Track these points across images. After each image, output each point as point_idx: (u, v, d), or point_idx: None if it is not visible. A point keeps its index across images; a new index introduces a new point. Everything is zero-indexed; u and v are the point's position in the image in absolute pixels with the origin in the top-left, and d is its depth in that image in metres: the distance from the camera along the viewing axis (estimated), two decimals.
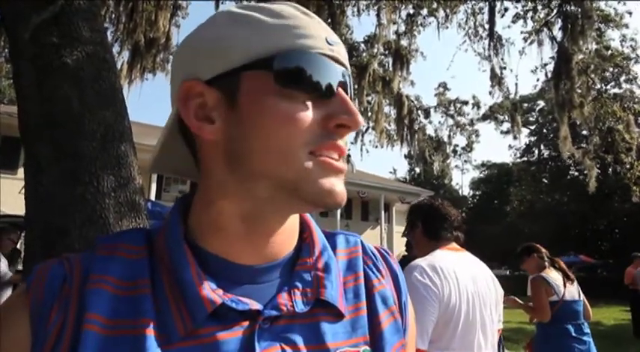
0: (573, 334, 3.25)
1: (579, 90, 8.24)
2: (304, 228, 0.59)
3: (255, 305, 0.49)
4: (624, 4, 14.69)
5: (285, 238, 0.54)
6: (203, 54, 0.50)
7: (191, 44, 0.52)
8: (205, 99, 0.50)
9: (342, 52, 0.52)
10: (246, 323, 0.48)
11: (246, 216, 0.51)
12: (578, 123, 10.44)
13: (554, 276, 3.35)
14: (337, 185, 0.49)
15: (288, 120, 0.47)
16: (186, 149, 0.57)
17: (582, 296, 3.41)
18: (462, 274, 1.78)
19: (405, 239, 2.79)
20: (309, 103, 0.48)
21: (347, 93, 0.51)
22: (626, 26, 9.94)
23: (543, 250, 3.56)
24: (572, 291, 3.35)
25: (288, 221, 0.54)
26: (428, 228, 1.97)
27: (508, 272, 26.66)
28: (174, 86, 0.53)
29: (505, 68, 9.06)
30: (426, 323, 1.62)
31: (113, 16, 7.21)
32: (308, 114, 0.48)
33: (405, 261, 1.94)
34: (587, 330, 3.33)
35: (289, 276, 0.53)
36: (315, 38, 0.49)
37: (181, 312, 0.46)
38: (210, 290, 0.47)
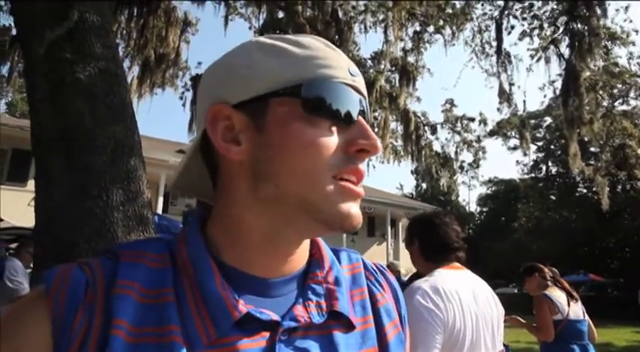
0: None
1: (588, 107, 8.22)
2: (313, 244, 0.61)
3: (275, 316, 0.50)
4: (630, 21, 14.73)
5: (299, 254, 0.57)
6: (232, 79, 0.53)
7: (219, 69, 0.56)
8: (233, 122, 0.53)
9: (361, 83, 0.56)
10: (266, 334, 0.50)
11: (265, 233, 0.53)
12: (586, 139, 10.40)
13: (557, 295, 3.31)
14: (354, 208, 0.52)
15: (314, 145, 0.50)
16: (204, 169, 0.59)
17: (587, 317, 3.35)
18: (465, 295, 1.70)
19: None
20: (332, 129, 0.51)
21: (366, 121, 0.54)
22: (633, 44, 9.95)
23: (546, 269, 3.52)
24: (577, 311, 3.30)
25: (305, 240, 0.57)
26: (424, 247, 1.88)
27: (516, 290, 26.27)
28: (201, 109, 0.56)
29: (513, 84, 9.09)
30: (431, 350, 1.55)
31: (124, 32, 7.33)
32: (332, 140, 0.51)
33: (415, 279, 1.88)
34: (592, 351, 3.26)
35: (302, 289, 0.56)
36: (339, 69, 0.53)
37: (204, 322, 0.48)
38: (235, 300, 0.49)
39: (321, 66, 0.52)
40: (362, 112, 0.54)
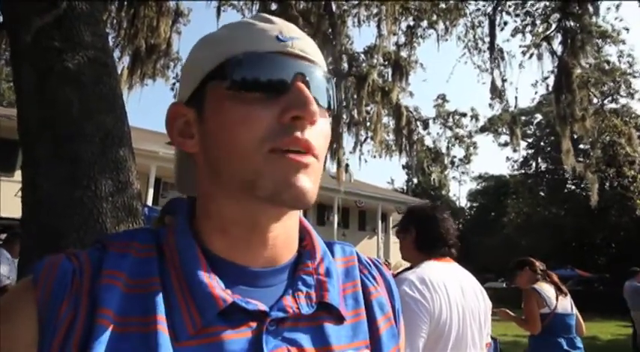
0: (565, 347, 3.23)
1: (580, 104, 8.29)
2: (304, 235, 0.60)
3: (262, 307, 0.50)
4: (621, 20, 14.86)
5: (285, 243, 0.56)
6: (182, 79, 0.58)
7: (180, 73, 0.60)
8: (188, 118, 0.55)
9: (300, 45, 0.52)
10: (253, 324, 0.49)
11: (236, 221, 0.52)
12: (575, 137, 10.50)
13: (546, 288, 3.35)
14: (298, 180, 0.48)
15: (242, 122, 0.49)
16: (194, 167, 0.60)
17: (575, 310, 3.40)
18: (452, 287, 1.71)
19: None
20: (261, 102, 0.49)
21: (310, 85, 0.51)
22: (623, 42, 10.04)
23: (537, 263, 3.56)
24: (565, 304, 3.34)
25: (285, 226, 0.55)
26: (421, 239, 1.89)
27: (505, 285, 26.59)
28: None
29: (505, 80, 9.13)
30: (416, 340, 1.56)
31: (115, 21, 7.23)
32: (261, 113, 0.49)
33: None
34: (579, 344, 3.31)
35: (292, 280, 0.55)
36: (262, 40, 0.51)
37: (190, 311, 0.47)
38: (221, 290, 0.49)
39: (243, 43, 0.51)
40: (300, 76, 0.50)
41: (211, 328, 0.47)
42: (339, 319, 0.54)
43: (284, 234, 0.55)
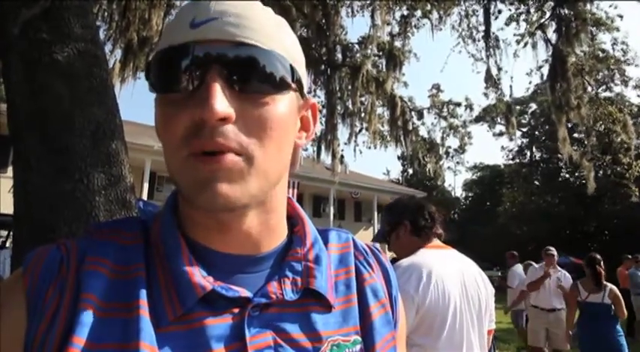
0: None
1: (575, 92, 8.29)
2: (297, 222, 0.60)
3: (245, 293, 0.50)
4: (615, 7, 14.85)
5: (262, 233, 0.53)
6: None
7: None
8: None
9: (217, 26, 0.46)
10: (236, 310, 0.49)
11: (199, 216, 0.52)
12: (570, 125, 10.53)
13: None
14: (212, 184, 0.44)
15: (163, 126, 0.48)
16: None
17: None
18: (448, 273, 1.72)
19: None
20: (181, 103, 0.45)
21: (233, 70, 0.45)
22: (617, 29, 10.02)
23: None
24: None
25: (254, 219, 0.52)
26: (416, 226, 1.90)
27: (500, 273, 26.80)
28: None
29: (501, 69, 9.11)
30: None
31: (105, 13, 7.14)
32: (177, 115, 0.45)
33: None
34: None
35: (279, 266, 0.54)
36: (178, 29, 0.47)
37: (171, 298, 0.47)
38: (201, 277, 0.48)
39: (165, 37, 0.48)
40: (215, 67, 0.44)
41: (193, 314, 0.47)
42: (326, 306, 0.54)
43: (258, 225, 0.52)
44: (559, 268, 6.01)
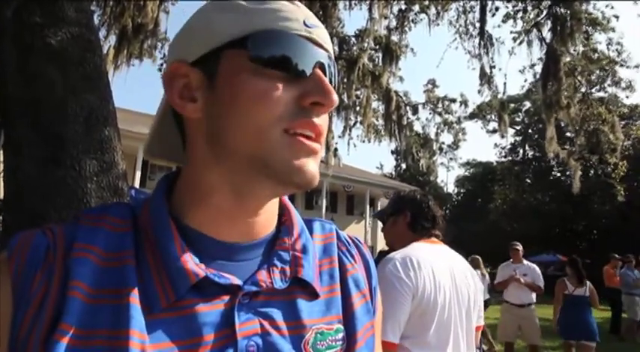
0: None
1: (566, 92, 8.34)
2: (283, 211, 0.61)
3: (236, 281, 0.50)
4: (612, 7, 14.89)
5: (266, 218, 0.56)
6: (190, 38, 0.54)
7: (181, 33, 0.56)
8: (190, 80, 0.52)
9: (321, 35, 0.53)
10: (226, 298, 0.50)
11: (227, 194, 0.52)
12: (562, 124, 10.59)
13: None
14: (308, 164, 0.50)
15: (261, 97, 0.48)
16: (178, 133, 0.59)
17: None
18: (439, 267, 1.75)
19: None
20: (283, 81, 0.49)
21: (326, 75, 0.52)
22: (613, 30, 10.07)
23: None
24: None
25: (272, 202, 0.56)
26: (416, 221, 1.94)
27: (489, 269, 27.01)
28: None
29: (494, 67, 9.13)
30: (399, 317, 1.60)
31: None
32: (281, 92, 0.49)
33: (382, 257, 1.92)
34: None
35: (268, 255, 0.55)
36: (292, 20, 0.51)
37: (164, 284, 0.48)
38: (194, 264, 0.49)
39: (272, 17, 0.50)
40: (320, 65, 0.52)
41: (184, 301, 0.48)
42: (312, 294, 0.56)
43: (268, 210, 0.55)
44: (525, 261, 6.25)
